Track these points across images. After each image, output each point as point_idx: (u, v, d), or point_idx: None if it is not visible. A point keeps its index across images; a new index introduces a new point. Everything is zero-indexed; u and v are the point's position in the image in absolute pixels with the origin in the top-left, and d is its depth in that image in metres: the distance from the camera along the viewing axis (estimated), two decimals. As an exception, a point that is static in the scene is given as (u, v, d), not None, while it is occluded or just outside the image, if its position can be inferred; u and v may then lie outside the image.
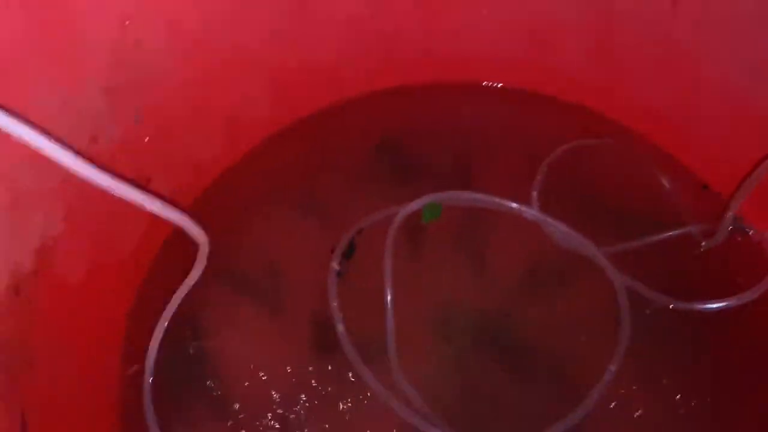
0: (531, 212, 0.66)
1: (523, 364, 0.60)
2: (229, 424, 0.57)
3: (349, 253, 0.65)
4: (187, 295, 0.60)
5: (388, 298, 0.61)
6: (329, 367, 0.60)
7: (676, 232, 0.65)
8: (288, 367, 0.60)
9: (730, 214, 0.63)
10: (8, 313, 0.44)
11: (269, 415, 0.58)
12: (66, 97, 0.48)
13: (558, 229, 0.65)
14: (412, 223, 0.66)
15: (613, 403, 0.58)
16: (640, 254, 0.64)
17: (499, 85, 0.73)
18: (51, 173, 0.48)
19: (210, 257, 0.60)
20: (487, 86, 0.73)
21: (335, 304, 0.62)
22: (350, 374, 0.59)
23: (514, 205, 0.66)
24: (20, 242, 0.46)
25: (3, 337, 0.43)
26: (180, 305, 0.60)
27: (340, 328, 0.61)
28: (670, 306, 0.61)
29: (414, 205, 0.66)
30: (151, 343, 0.58)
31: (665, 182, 0.69)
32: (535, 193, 0.67)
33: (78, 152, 0.47)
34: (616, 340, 0.60)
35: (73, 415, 0.50)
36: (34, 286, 0.47)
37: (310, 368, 0.60)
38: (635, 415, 0.58)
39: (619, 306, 0.61)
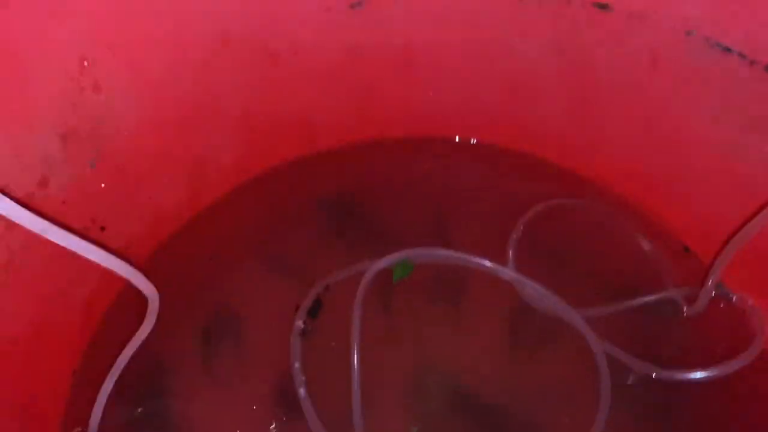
0: (507, 272, 0.63)
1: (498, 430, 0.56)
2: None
3: (314, 311, 0.61)
4: (137, 352, 0.56)
5: (355, 360, 0.58)
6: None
7: (657, 296, 0.63)
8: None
9: (711, 280, 0.61)
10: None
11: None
12: (14, 136, 0.45)
13: (535, 290, 0.62)
14: (382, 281, 0.63)
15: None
16: (620, 318, 0.62)
17: (475, 141, 0.71)
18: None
19: (167, 311, 0.57)
20: (463, 142, 0.71)
21: (297, 365, 0.58)
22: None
23: (490, 264, 0.63)
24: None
25: None
26: (129, 364, 0.56)
27: (302, 392, 0.57)
28: (653, 375, 0.58)
29: (385, 262, 0.63)
30: (95, 406, 0.54)
31: (646, 244, 0.67)
32: (511, 252, 0.64)
33: (23, 197, 0.43)
34: (596, 408, 0.56)
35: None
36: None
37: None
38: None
39: (599, 373, 0.58)
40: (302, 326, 0.60)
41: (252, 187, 0.68)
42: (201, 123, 0.61)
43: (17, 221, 0.41)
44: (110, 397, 0.55)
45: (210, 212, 0.66)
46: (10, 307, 0.48)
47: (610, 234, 0.67)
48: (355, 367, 0.57)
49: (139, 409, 0.56)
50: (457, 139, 0.71)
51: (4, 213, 0.41)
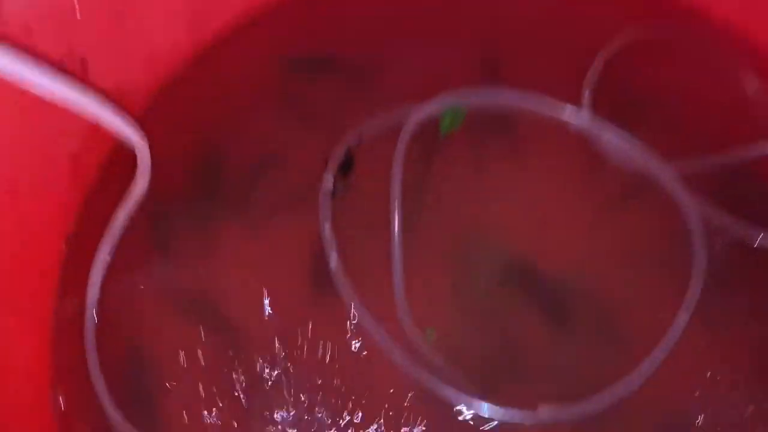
0: (582, 117, 0.51)
1: (562, 312, 0.48)
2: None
3: (346, 167, 0.51)
4: (138, 212, 0.47)
5: (396, 224, 0.49)
6: (322, 307, 0.48)
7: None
8: (269, 299, 0.48)
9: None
10: None
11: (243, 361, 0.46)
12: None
13: (615, 140, 0.51)
14: (427, 134, 0.52)
15: (679, 364, 0.45)
16: (719, 176, 0.51)
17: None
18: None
19: (168, 162, 0.47)
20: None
21: (328, 227, 0.49)
22: (347, 319, 0.47)
23: (562, 107, 0.51)
24: None
25: None
26: (130, 225, 0.48)
27: (334, 258, 0.48)
28: (755, 244, 0.48)
29: (430, 107, 0.52)
30: (92, 275, 0.46)
31: (754, 86, 0.54)
32: (587, 93, 0.52)
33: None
34: (685, 282, 0.47)
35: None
36: None
37: (299, 306, 0.48)
38: (707, 376, 0.45)
39: (692, 238, 0.48)
40: (332, 183, 0.50)
41: (268, 18, 0.55)
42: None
43: None
44: (110, 263, 0.47)
45: (216, 50, 0.54)
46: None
47: (711, 74, 0.55)
48: (396, 234, 0.48)
49: (141, 282, 0.48)
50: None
51: None
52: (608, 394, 0.44)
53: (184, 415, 0.45)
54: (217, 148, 0.52)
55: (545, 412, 0.44)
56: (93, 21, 0.45)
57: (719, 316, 0.47)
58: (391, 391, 0.45)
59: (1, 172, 0.43)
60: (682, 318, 0.45)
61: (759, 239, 0.48)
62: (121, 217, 0.46)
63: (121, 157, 0.49)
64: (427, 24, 0.57)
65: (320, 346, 0.46)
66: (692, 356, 0.46)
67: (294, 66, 0.55)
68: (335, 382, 0.46)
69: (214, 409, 0.45)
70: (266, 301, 0.47)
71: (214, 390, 0.45)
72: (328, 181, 0.50)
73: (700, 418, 0.44)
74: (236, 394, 0.45)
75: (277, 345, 0.47)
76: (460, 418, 0.45)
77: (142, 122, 0.47)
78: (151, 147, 0.46)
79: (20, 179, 0.44)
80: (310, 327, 0.47)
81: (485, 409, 0.44)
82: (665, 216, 0.49)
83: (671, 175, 0.49)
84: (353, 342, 0.46)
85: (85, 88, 0.38)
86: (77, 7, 0.43)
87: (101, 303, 0.46)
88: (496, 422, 0.44)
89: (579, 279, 0.48)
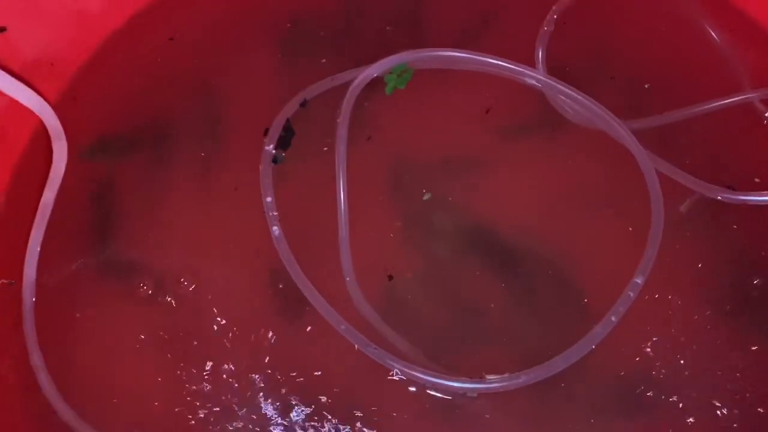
0: (535, 75, 0.49)
1: (518, 273, 0.46)
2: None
3: (287, 139, 0.49)
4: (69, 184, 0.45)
5: (342, 190, 0.46)
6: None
7: (729, 100, 0.49)
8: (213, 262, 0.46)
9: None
10: None
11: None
12: None
13: (571, 98, 0.48)
14: (371, 96, 0.50)
15: (636, 327, 0.43)
16: (678, 131, 0.49)
17: None
18: None
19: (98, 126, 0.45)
20: None
21: (269, 199, 0.46)
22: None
23: (514, 66, 0.49)
24: None
25: None
26: (61, 202, 0.46)
27: (275, 230, 0.46)
28: (718, 197, 0.46)
29: (375, 69, 0.49)
30: (28, 255, 0.44)
31: (716, 35, 0.51)
32: (540, 51, 0.50)
33: None
34: (641, 243, 0.44)
35: None
36: None
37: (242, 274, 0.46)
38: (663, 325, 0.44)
39: (650, 197, 0.45)
40: (273, 152, 0.48)
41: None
42: None
43: None
44: (45, 242, 0.45)
45: (149, 13, 0.51)
46: None
47: (670, 24, 0.52)
48: (342, 200, 0.46)
49: (81, 261, 0.46)
50: None
51: None
52: (562, 359, 0.42)
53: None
54: (153, 119, 0.50)
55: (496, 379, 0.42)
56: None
57: (676, 269, 0.45)
58: (341, 368, 0.44)
59: None
60: (640, 279, 0.43)
61: (720, 196, 0.46)
62: (50, 193, 0.44)
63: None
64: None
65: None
66: (648, 309, 0.44)
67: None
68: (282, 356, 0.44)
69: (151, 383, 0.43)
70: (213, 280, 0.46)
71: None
72: (269, 151, 0.48)
73: (658, 365, 0.43)
74: (176, 371, 0.44)
75: (221, 321, 0.45)
76: (412, 389, 0.43)
77: (73, 92, 0.45)
78: (80, 119, 0.44)
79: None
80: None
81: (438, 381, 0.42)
82: (622, 173, 0.47)
83: (627, 132, 0.47)
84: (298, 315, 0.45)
85: None
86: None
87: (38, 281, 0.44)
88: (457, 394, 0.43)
89: (533, 239, 0.46)
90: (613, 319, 0.43)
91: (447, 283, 0.46)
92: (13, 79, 0.39)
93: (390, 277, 0.46)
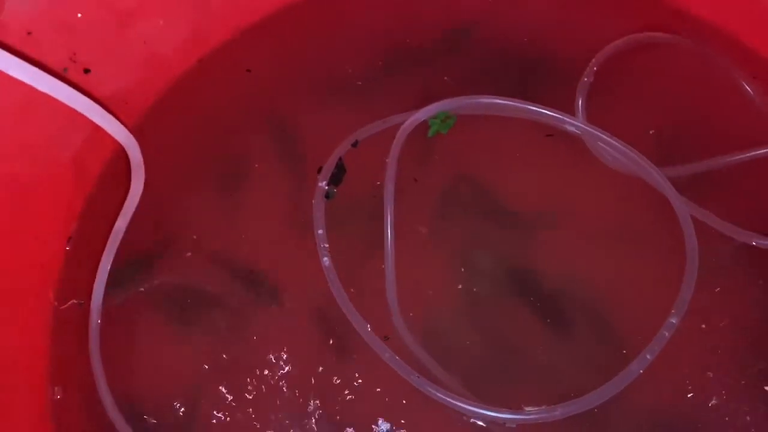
0: (575, 123, 0.51)
1: (556, 314, 0.48)
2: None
3: (339, 176, 0.52)
4: (141, 215, 0.49)
5: (389, 227, 0.49)
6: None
7: (763, 151, 0.50)
8: (272, 309, 0.49)
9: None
10: None
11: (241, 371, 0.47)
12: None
13: (609, 146, 0.51)
14: (417, 138, 0.53)
15: (670, 367, 0.45)
16: (715, 180, 0.51)
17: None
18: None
19: (170, 165, 0.49)
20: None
21: (321, 232, 0.49)
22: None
23: (554, 113, 0.51)
24: None
25: None
26: (133, 228, 0.49)
27: (326, 261, 0.48)
28: (752, 243, 0.47)
29: (422, 114, 0.52)
30: (98, 279, 0.47)
31: (751, 91, 0.53)
32: (580, 100, 0.52)
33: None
34: (678, 285, 0.46)
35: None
36: None
37: (303, 310, 0.49)
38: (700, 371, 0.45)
39: (685, 242, 0.47)
40: (326, 188, 0.51)
41: (265, 29, 0.57)
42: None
43: None
44: (112, 267, 0.49)
45: (215, 59, 0.55)
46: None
47: (708, 79, 0.54)
48: (389, 238, 0.49)
49: (151, 284, 0.49)
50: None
51: None
52: (597, 395, 0.44)
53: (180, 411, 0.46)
54: (220, 150, 0.53)
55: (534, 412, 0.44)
56: (95, 27, 0.47)
57: (711, 311, 0.47)
58: (380, 391, 0.46)
59: (5, 171, 0.44)
60: (675, 319, 0.45)
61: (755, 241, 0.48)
62: (123, 220, 0.47)
63: (123, 160, 0.51)
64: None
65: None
66: (683, 348, 0.45)
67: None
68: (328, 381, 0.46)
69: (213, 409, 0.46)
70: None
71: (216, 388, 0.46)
72: (322, 187, 0.51)
73: (691, 404, 0.44)
74: (228, 398, 0.46)
75: (275, 351, 0.47)
76: (452, 417, 0.45)
77: (143, 126, 0.49)
78: (151, 150, 0.47)
79: (24, 179, 0.45)
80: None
81: (477, 411, 0.44)
82: (658, 218, 0.49)
83: (663, 179, 0.49)
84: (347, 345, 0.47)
85: (76, 91, 0.39)
86: (79, 14, 0.45)
87: (104, 303, 0.47)
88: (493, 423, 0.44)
89: (571, 281, 0.48)
90: (648, 357, 0.44)
91: (487, 319, 0.48)
92: (104, 112, 0.42)
93: (432, 310, 0.48)
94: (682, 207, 0.48)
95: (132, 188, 0.47)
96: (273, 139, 0.53)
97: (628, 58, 0.54)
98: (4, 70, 0.38)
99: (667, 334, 0.45)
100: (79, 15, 0.45)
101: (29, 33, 0.42)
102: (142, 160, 0.45)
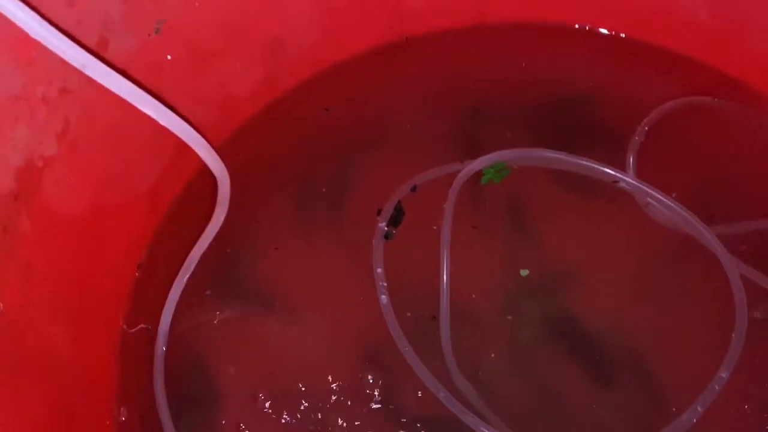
0: (626, 179, 0.54)
1: (602, 364, 0.49)
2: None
3: (398, 218, 0.54)
4: (210, 246, 0.51)
5: (445, 276, 0.51)
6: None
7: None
8: (327, 345, 0.51)
9: None
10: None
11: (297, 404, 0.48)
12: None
13: (658, 202, 0.53)
14: (472, 185, 0.55)
15: (717, 420, 0.46)
16: (763, 239, 0.52)
17: (598, 30, 0.61)
18: (44, 76, 0.39)
19: (242, 200, 0.51)
20: (581, 29, 0.61)
21: (380, 270, 0.51)
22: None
23: (607, 169, 0.54)
24: (-5, 155, 0.37)
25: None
26: (204, 260, 0.51)
27: (384, 299, 0.50)
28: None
29: (478, 164, 0.55)
30: (167, 304, 0.49)
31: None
32: (631, 157, 0.55)
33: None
34: (727, 341, 0.47)
35: (52, 376, 0.41)
36: (13, 214, 0.39)
37: (356, 345, 0.50)
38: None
39: (734, 300, 0.49)
40: (385, 229, 0.53)
41: (333, 76, 0.60)
42: (279, -5, 0.53)
43: (84, 69, 0.35)
44: (183, 292, 0.51)
45: (285, 102, 0.59)
46: (66, 184, 0.43)
47: (754, 142, 0.57)
48: (445, 283, 0.51)
49: (217, 313, 0.51)
50: (576, 27, 0.61)
51: (73, 61, 0.34)
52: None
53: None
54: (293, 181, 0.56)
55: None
56: (179, 68, 0.50)
57: (759, 367, 0.47)
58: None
59: (87, 199, 0.47)
60: (724, 374, 0.46)
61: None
62: (198, 249, 0.50)
63: (193, 193, 0.53)
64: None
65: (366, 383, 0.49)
66: (732, 409, 0.46)
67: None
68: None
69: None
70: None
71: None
72: (382, 228, 0.53)
73: None
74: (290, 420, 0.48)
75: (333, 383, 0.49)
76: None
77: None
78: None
79: (103, 206, 0.48)
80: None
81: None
82: (707, 274, 0.50)
83: (712, 236, 0.50)
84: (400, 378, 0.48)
85: (185, 123, 0.41)
86: (169, 56, 0.48)
87: (171, 328, 0.49)
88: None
89: (617, 332, 0.49)
90: (699, 409, 0.45)
91: (531, 364, 0.49)
92: (209, 146, 0.44)
93: (480, 354, 0.49)
94: (731, 264, 0.50)
95: (213, 221, 0.49)
96: (339, 178, 0.56)
97: (677, 119, 0.57)
98: (108, 85, 0.40)
99: (717, 387, 0.46)
100: (169, 57, 0.48)
101: (125, 71, 0.45)
102: (229, 195, 0.48)
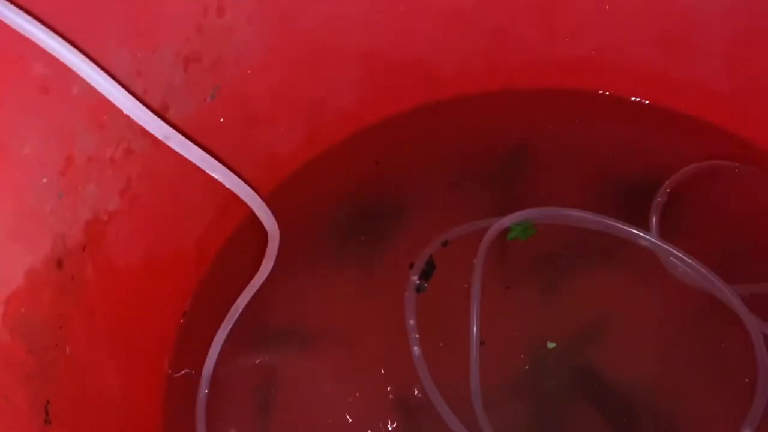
0: (649, 238, 0.56)
1: (627, 420, 0.50)
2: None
3: (429, 272, 0.57)
4: (254, 297, 0.54)
5: (475, 325, 0.53)
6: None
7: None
8: (360, 394, 0.53)
9: None
10: (46, 286, 0.39)
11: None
12: (139, 59, 0.43)
13: (681, 261, 0.55)
14: (501, 241, 0.58)
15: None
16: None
17: (618, 95, 0.64)
18: (113, 139, 0.43)
19: (285, 252, 0.53)
20: (605, 96, 0.64)
21: (412, 322, 0.54)
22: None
23: (630, 229, 0.56)
24: (69, 211, 0.41)
25: (36, 311, 0.37)
26: (246, 308, 0.54)
27: (416, 350, 0.52)
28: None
29: (507, 221, 0.57)
30: (211, 350, 0.52)
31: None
32: (654, 218, 0.57)
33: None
34: (747, 398, 0.49)
35: (105, 415, 0.44)
36: (80, 263, 0.42)
37: (387, 394, 0.52)
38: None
39: (756, 358, 0.50)
40: (417, 282, 0.56)
41: (369, 135, 0.64)
42: (321, 62, 0.58)
43: (167, 140, 0.39)
44: (226, 340, 0.53)
45: (325, 159, 0.62)
46: (125, 236, 0.47)
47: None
48: (475, 338, 0.53)
49: (257, 360, 0.54)
50: (599, 93, 0.64)
51: (157, 133, 0.38)
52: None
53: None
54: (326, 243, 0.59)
55: None
56: (227, 129, 0.54)
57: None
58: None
59: (142, 250, 0.50)
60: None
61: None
62: (243, 299, 0.53)
63: (236, 245, 0.57)
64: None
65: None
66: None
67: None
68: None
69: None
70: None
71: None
72: (414, 281, 0.56)
73: None
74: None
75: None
76: None
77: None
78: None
79: (155, 257, 0.51)
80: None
81: None
82: (729, 333, 0.52)
83: (734, 296, 0.52)
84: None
85: (241, 180, 0.45)
86: (221, 119, 0.52)
87: (213, 374, 0.52)
88: None
89: (645, 390, 0.51)
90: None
91: (557, 419, 0.51)
92: (262, 202, 0.48)
93: (508, 404, 0.51)
94: (754, 324, 0.51)
95: (259, 273, 0.52)
96: (372, 231, 0.59)
97: (699, 182, 0.59)
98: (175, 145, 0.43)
99: (739, 447, 0.47)
100: (221, 120, 0.52)
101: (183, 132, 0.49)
102: (277, 250, 0.51)
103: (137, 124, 0.39)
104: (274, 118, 0.57)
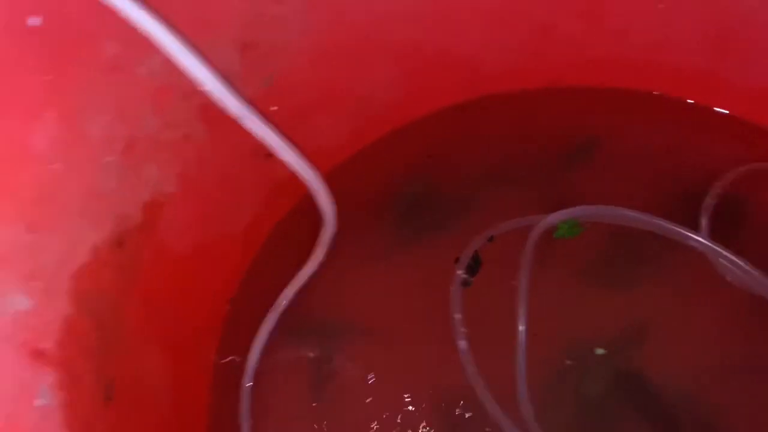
0: (698, 239, 0.55)
1: (672, 425, 0.50)
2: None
3: (475, 267, 0.56)
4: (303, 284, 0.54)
5: (522, 322, 0.52)
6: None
7: None
8: (407, 395, 0.52)
9: None
10: (107, 265, 0.39)
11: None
12: (201, 40, 0.44)
13: (731, 263, 0.54)
14: (549, 239, 0.57)
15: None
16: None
17: (666, 95, 0.63)
18: (175, 124, 0.44)
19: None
20: (651, 95, 0.64)
21: (458, 316, 0.53)
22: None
23: (680, 230, 0.55)
24: (129, 191, 0.41)
25: (100, 289, 0.38)
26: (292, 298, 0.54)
27: (462, 344, 0.52)
28: None
29: (556, 217, 0.57)
30: (257, 339, 0.52)
31: None
32: (704, 220, 0.56)
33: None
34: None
35: (158, 396, 0.44)
36: (138, 245, 0.42)
37: (432, 389, 0.52)
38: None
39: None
40: (463, 277, 0.56)
41: (415, 129, 0.64)
42: (369, 55, 0.58)
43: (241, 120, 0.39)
44: (272, 330, 0.53)
45: (370, 153, 0.62)
46: (178, 220, 0.47)
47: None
48: (522, 335, 0.52)
49: (303, 350, 0.53)
50: (650, 93, 0.63)
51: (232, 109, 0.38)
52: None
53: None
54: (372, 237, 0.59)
55: None
56: (280, 122, 0.54)
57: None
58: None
59: (192, 235, 0.50)
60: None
61: None
62: (292, 287, 0.53)
63: (284, 232, 0.57)
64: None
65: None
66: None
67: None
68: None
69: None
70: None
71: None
72: (460, 275, 0.56)
73: None
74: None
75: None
76: None
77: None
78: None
79: (205, 243, 0.51)
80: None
81: None
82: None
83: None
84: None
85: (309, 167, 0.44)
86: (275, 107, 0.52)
87: (258, 364, 0.52)
88: None
89: (688, 393, 0.50)
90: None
91: (602, 422, 0.50)
92: (328, 193, 0.47)
93: (549, 405, 0.50)
94: (808, 328, 0.51)
95: (311, 261, 0.52)
96: (417, 224, 0.59)
97: (750, 183, 0.58)
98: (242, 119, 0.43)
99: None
100: (275, 108, 0.52)
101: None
102: (330, 239, 0.51)
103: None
104: (322, 110, 0.57)
